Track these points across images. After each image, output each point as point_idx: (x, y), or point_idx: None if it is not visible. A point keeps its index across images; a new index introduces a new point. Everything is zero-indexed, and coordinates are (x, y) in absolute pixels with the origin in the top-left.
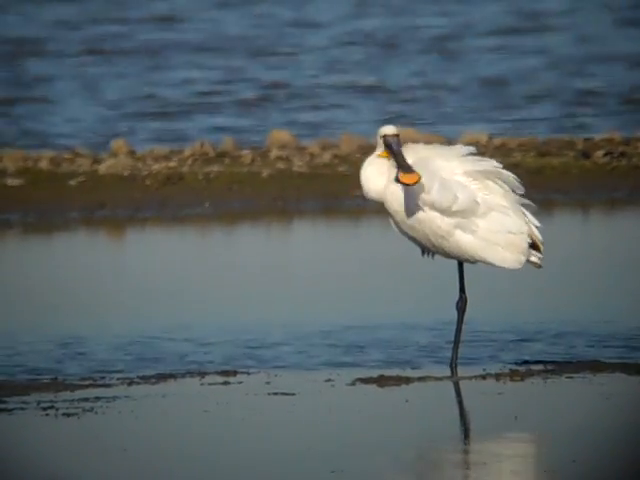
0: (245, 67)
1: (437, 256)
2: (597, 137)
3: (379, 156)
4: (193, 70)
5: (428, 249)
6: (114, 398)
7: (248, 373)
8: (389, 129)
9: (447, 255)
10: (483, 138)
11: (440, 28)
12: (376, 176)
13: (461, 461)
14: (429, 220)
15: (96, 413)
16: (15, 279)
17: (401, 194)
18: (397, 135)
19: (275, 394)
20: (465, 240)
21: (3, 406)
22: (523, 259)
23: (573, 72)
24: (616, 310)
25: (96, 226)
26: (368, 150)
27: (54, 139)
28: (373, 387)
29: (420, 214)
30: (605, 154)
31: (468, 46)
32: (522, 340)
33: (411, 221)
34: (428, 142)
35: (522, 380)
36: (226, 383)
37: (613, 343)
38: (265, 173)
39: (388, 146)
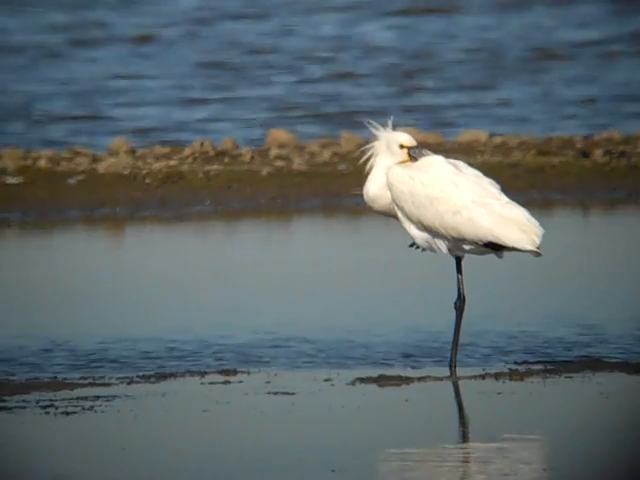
0: None
1: (435, 254)
2: (597, 136)
3: (399, 163)
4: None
5: (435, 233)
6: (114, 397)
7: (248, 372)
8: (407, 140)
9: (456, 239)
10: (483, 137)
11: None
12: (381, 188)
13: (461, 461)
14: (446, 196)
15: (95, 412)
16: (14, 278)
17: (408, 180)
18: (417, 146)
19: (275, 393)
20: (479, 215)
21: (3, 405)
22: (537, 241)
23: None
24: (615, 309)
25: (96, 225)
26: None
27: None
28: (373, 387)
29: (435, 191)
30: (605, 153)
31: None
32: (522, 340)
33: (423, 200)
34: (425, 141)
35: (521, 380)
36: (226, 382)
37: (612, 342)
38: (264, 171)
39: (413, 158)
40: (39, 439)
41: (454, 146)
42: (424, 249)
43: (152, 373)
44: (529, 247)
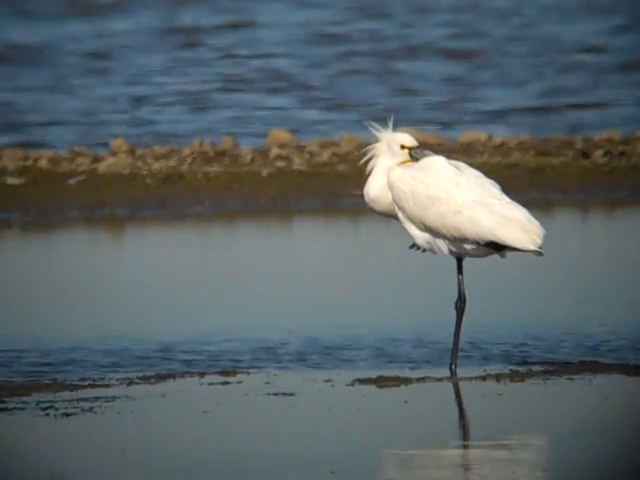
0: None
1: (435, 255)
2: (597, 136)
3: (400, 164)
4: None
5: (436, 233)
6: (113, 398)
7: (248, 373)
8: (408, 140)
9: (457, 238)
10: (482, 137)
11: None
12: (382, 189)
13: (461, 462)
14: (447, 196)
15: (95, 413)
16: (14, 278)
17: (409, 180)
18: (418, 146)
19: (275, 394)
20: (481, 215)
21: (3, 406)
22: (539, 241)
23: None
24: (615, 311)
25: (96, 225)
26: None
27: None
28: (372, 387)
29: (437, 192)
30: (604, 154)
31: None
32: (522, 341)
33: (424, 201)
34: (425, 142)
35: (522, 381)
36: (226, 383)
37: (612, 344)
38: (265, 172)
39: (415, 159)
40: (39, 440)
41: (454, 146)
42: (425, 250)
43: (152, 374)
44: (531, 247)
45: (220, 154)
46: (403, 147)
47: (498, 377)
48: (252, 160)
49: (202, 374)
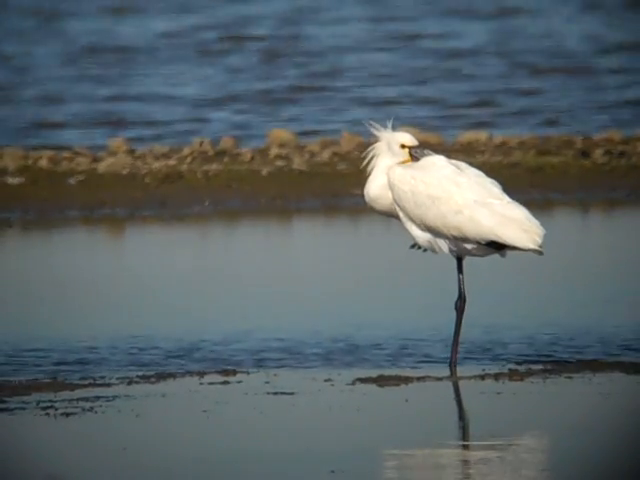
0: None
1: (435, 254)
2: (596, 136)
3: (400, 163)
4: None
5: (437, 233)
6: (114, 397)
7: (248, 372)
8: (409, 140)
9: (457, 238)
10: (483, 137)
11: None
12: (382, 188)
13: (460, 461)
14: (448, 195)
15: (96, 412)
16: (14, 278)
17: (409, 180)
18: (418, 146)
19: (275, 393)
20: (481, 215)
21: (3, 406)
22: (539, 240)
23: None
24: (615, 310)
25: (96, 225)
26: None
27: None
28: (373, 387)
29: (437, 191)
30: (604, 153)
31: None
32: (522, 340)
33: (425, 200)
34: (426, 142)
35: (521, 380)
36: (226, 382)
37: (612, 343)
38: (265, 171)
39: (415, 158)
40: (39, 440)
41: (454, 146)
42: (425, 249)
43: (152, 373)
44: (531, 246)
45: (220, 153)
46: (403, 146)
47: (497, 376)
48: (252, 159)
49: (202, 374)
